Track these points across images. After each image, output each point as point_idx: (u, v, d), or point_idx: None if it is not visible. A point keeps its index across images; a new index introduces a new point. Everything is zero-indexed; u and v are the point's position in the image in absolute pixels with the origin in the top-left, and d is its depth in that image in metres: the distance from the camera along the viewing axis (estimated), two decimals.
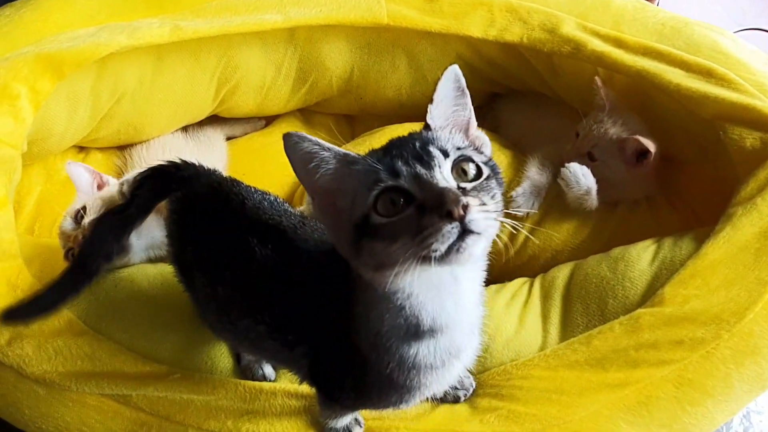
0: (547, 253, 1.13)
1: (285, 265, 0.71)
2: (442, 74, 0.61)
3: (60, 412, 0.88)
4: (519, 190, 1.12)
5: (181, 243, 0.82)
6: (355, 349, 0.66)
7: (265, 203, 0.79)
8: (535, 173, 1.15)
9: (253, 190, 0.81)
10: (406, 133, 1.30)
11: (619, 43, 1.11)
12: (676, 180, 1.17)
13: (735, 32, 1.83)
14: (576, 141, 1.15)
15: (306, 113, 1.45)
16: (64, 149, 1.20)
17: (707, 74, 1.04)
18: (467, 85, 0.98)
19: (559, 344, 0.89)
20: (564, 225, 1.12)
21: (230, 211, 0.77)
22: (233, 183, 0.82)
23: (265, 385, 0.88)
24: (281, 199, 0.83)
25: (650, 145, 1.04)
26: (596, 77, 1.13)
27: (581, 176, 1.07)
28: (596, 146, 1.11)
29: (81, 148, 1.26)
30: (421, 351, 0.63)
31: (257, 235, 0.73)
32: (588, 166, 1.09)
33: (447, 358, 0.64)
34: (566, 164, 1.08)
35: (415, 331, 0.62)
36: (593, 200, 1.09)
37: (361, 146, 1.27)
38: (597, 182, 1.09)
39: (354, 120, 1.46)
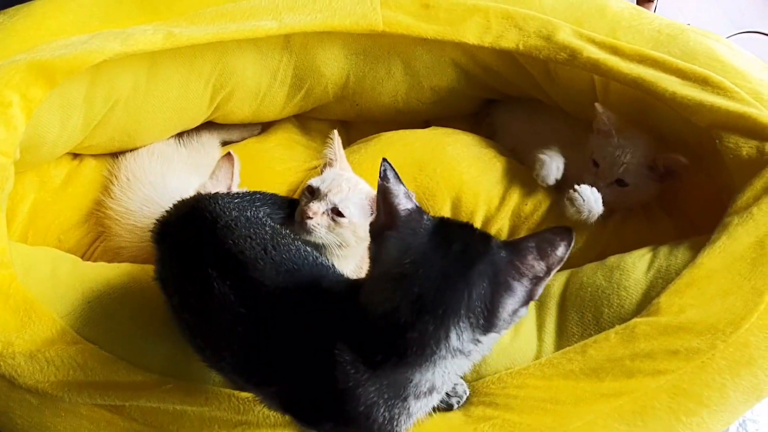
0: None
1: (243, 305, 0.67)
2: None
3: (53, 422, 0.87)
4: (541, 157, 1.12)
5: (162, 259, 0.82)
6: (336, 390, 0.59)
7: (241, 219, 0.76)
8: (548, 152, 1.16)
9: (232, 205, 0.79)
10: (401, 139, 1.30)
11: (615, 51, 1.11)
12: (672, 188, 1.16)
13: (732, 35, 1.83)
14: (597, 170, 1.13)
15: (302, 119, 1.45)
16: (57, 156, 1.19)
17: (703, 82, 1.04)
18: (464, 92, 0.98)
19: (554, 353, 0.89)
20: None
21: (200, 234, 0.75)
22: (212, 200, 0.80)
23: (259, 395, 0.87)
24: (267, 208, 0.82)
25: (684, 160, 1.05)
26: (596, 103, 1.13)
27: (593, 202, 1.06)
28: (627, 171, 1.10)
29: (75, 155, 1.26)
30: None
31: (217, 267, 0.70)
32: (617, 192, 1.10)
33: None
34: (578, 187, 1.07)
35: None
36: (594, 219, 1.09)
37: (357, 153, 1.27)
38: (618, 202, 1.09)
39: (350, 126, 1.46)
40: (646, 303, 0.91)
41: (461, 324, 0.57)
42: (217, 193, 0.94)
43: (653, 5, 1.94)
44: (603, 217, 1.12)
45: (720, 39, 1.15)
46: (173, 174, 1.18)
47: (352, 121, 1.45)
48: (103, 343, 0.89)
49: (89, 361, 0.87)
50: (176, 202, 0.83)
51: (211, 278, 0.70)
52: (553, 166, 1.13)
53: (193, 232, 0.76)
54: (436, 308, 0.57)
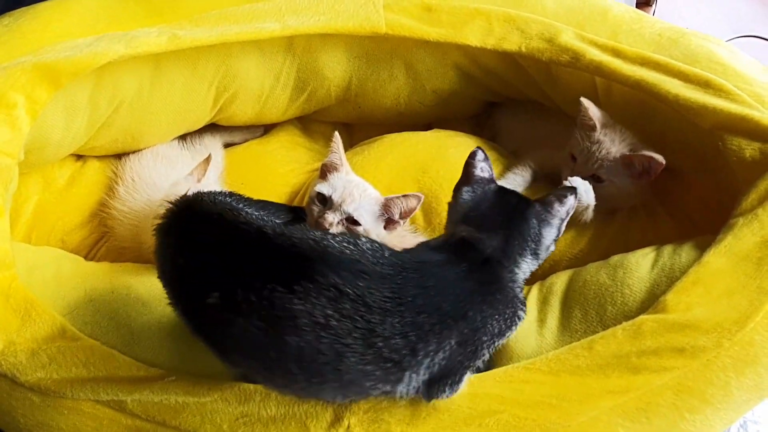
0: (545, 262, 1.13)
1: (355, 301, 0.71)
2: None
3: (55, 419, 0.87)
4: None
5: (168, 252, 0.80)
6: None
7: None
8: (517, 170, 1.21)
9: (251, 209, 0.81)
10: (404, 141, 1.32)
11: (617, 53, 1.12)
12: (674, 189, 1.17)
13: (732, 39, 1.84)
14: (575, 165, 1.14)
15: (304, 121, 1.46)
16: (61, 158, 1.19)
17: (705, 85, 1.05)
18: (466, 95, 1.00)
19: (561, 348, 0.89)
20: (563, 234, 1.13)
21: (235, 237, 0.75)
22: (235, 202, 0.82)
23: (259, 387, 0.87)
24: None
25: (660, 158, 1.05)
26: (582, 98, 1.13)
27: (584, 192, 1.07)
28: (601, 167, 1.10)
29: (78, 157, 1.26)
30: None
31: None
32: (594, 188, 1.09)
33: None
34: (570, 179, 1.07)
35: None
36: (590, 214, 1.09)
37: (360, 155, 1.27)
38: (598, 198, 1.09)
39: (352, 128, 1.47)
40: (649, 301, 0.91)
41: (527, 246, 0.84)
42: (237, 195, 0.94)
43: (652, 9, 1.95)
44: (605, 219, 1.13)
45: (720, 42, 1.16)
46: (177, 175, 1.19)
47: (355, 123, 1.46)
48: (105, 340, 0.90)
49: (90, 357, 0.87)
50: (182, 197, 0.80)
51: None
52: (516, 182, 1.20)
53: (219, 231, 0.75)
54: (513, 238, 0.83)
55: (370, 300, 0.70)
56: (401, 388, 0.76)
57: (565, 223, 0.87)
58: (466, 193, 0.88)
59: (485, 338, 0.79)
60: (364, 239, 0.76)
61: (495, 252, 0.82)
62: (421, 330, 0.72)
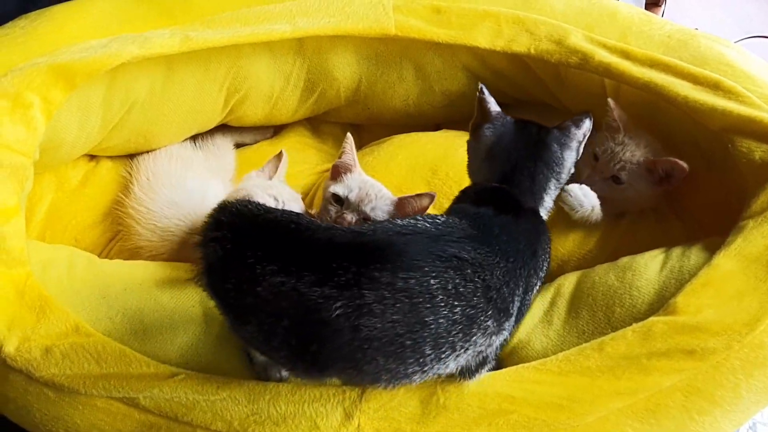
0: (554, 262, 1.13)
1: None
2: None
3: (70, 414, 0.88)
4: None
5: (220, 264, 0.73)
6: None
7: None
8: None
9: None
10: (414, 142, 1.33)
11: (626, 55, 1.12)
12: (682, 190, 1.17)
13: (741, 40, 1.83)
14: (596, 164, 1.14)
15: (313, 122, 1.47)
16: (74, 158, 1.20)
17: (714, 87, 1.05)
18: (474, 96, 1.02)
19: (571, 349, 0.89)
20: (570, 235, 1.13)
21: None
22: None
23: (269, 385, 0.88)
24: None
25: (684, 165, 1.05)
26: (609, 99, 1.13)
27: (582, 197, 1.07)
28: (623, 169, 1.11)
29: (91, 157, 1.27)
30: None
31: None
32: (611, 189, 1.10)
33: None
34: (565, 188, 1.07)
35: None
36: (598, 215, 1.09)
37: (369, 155, 1.28)
38: (612, 200, 1.09)
39: (361, 129, 1.47)
40: (658, 303, 0.91)
41: (552, 171, 0.91)
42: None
43: (661, 10, 1.95)
44: (613, 220, 1.13)
45: (730, 44, 1.16)
46: (193, 176, 1.20)
47: (364, 124, 1.47)
48: (117, 336, 0.91)
49: (103, 354, 0.88)
50: (226, 204, 0.75)
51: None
52: None
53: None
54: (538, 171, 0.91)
55: (480, 259, 0.75)
56: (499, 339, 0.80)
57: (582, 146, 0.94)
58: (487, 130, 0.93)
59: (541, 273, 0.89)
60: (425, 216, 0.80)
61: (525, 194, 0.90)
62: (514, 274, 0.79)
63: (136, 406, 0.87)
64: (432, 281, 0.69)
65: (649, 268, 0.97)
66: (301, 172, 1.34)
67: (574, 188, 1.07)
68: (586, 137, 0.94)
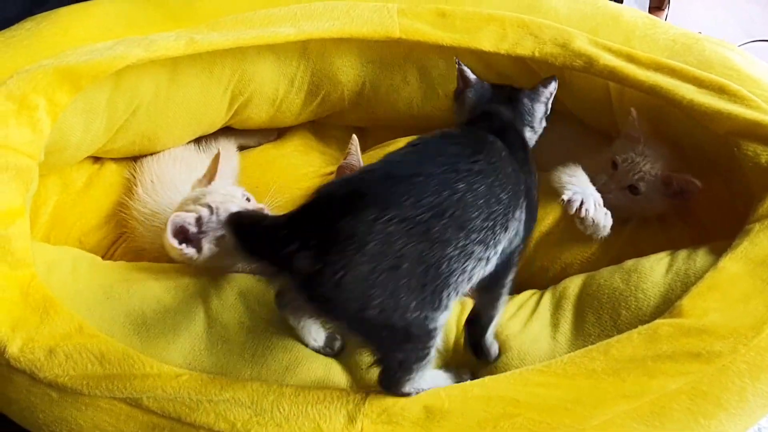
0: (557, 265, 1.13)
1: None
2: None
3: (73, 415, 0.88)
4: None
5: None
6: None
7: None
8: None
9: None
10: None
11: (631, 59, 1.12)
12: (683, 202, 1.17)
13: (745, 44, 1.84)
14: (614, 173, 1.14)
15: (317, 125, 1.47)
16: (79, 160, 1.21)
17: (720, 90, 1.05)
18: None
19: (576, 352, 0.88)
20: (573, 240, 1.13)
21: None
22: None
23: (272, 386, 0.88)
24: None
25: (698, 183, 1.07)
26: (632, 108, 1.14)
27: (602, 218, 1.07)
28: (642, 180, 1.11)
29: (96, 159, 1.28)
30: None
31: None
32: (627, 198, 1.11)
33: None
34: (586, 215, 1.06)
35: None
36: (605, 232, 1.09)
37: (374, 158, 1.27)
38: (622, 208, 1.10)
39: (365, 132, 1.47)
40: (664, 306, 0.91)
41: (525, 120, 1.02)
42: None
43: (664, 14, 1.95)
44: (618, 224, 1.13)
45: (734, 48, 1.16)
46: (197, 178, 1.20)
47: (368, 127, 1.47)
48: (121, 337, 0.91)
49: (106, 354, 0.88)
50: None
51: None
52: None
53: None
54: (517, 118, 1.01)
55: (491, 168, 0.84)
56: (503, 245, 0.86)
57: (550, 102, 1.05)
58: (469, 93, 1.05)
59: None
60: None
61: (512, 119, 1.01)
62: (515, 187, 0.87)
63: (140, 406, 0.87)
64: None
65: (654, 270, 0.97)
66: (305, 174, 1.34)
67: (598, 215, 1.07)
68: (553, 95, 1.04)
